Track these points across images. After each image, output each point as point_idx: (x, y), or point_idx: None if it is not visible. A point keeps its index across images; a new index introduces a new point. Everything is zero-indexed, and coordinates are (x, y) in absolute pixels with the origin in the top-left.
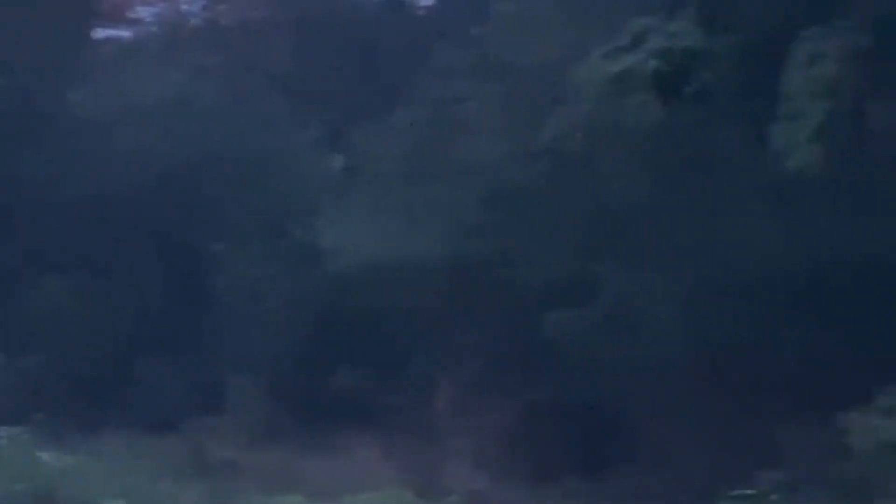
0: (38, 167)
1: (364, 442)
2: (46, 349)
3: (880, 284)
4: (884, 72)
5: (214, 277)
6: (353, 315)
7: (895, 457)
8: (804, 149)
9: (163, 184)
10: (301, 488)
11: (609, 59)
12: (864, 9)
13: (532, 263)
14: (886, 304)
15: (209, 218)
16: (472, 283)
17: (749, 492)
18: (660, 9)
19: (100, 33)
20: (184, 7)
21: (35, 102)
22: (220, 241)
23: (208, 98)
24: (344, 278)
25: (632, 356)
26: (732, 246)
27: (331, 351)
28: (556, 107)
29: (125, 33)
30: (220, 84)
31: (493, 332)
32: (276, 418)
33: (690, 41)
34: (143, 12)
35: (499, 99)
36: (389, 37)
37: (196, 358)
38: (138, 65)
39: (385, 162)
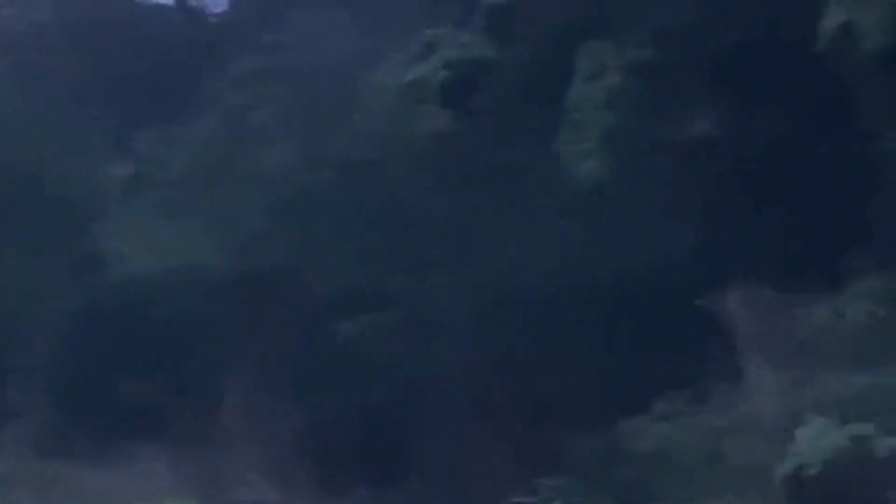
0: None
1: (148, 452)
2: None
3: (661, 295)
4: (666, 83)
5: None
6: (138, 324)
7: (670, 460)
8: (589, 159)
9: None
10: (79, 500)
11: (400, 68)
12: (645, 22)
13: (323, 271)
14: (665, 314)
15: None
16: (260, 292)
17: (530, 500)
18: (451, 20)
19: None
20: None
21: None
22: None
23: None
24: (128, 286)
25: (422, 365)
26: (521, 255)
27: (114, 360)
28: (347, 115)
29: None
30: (5, 90)
31: (283, 340)
32: (57, 429)
33: (480, 52)
34: None
35: (290, 107)
36: (181, 43)
37: None
38: None
39: (172, 169)
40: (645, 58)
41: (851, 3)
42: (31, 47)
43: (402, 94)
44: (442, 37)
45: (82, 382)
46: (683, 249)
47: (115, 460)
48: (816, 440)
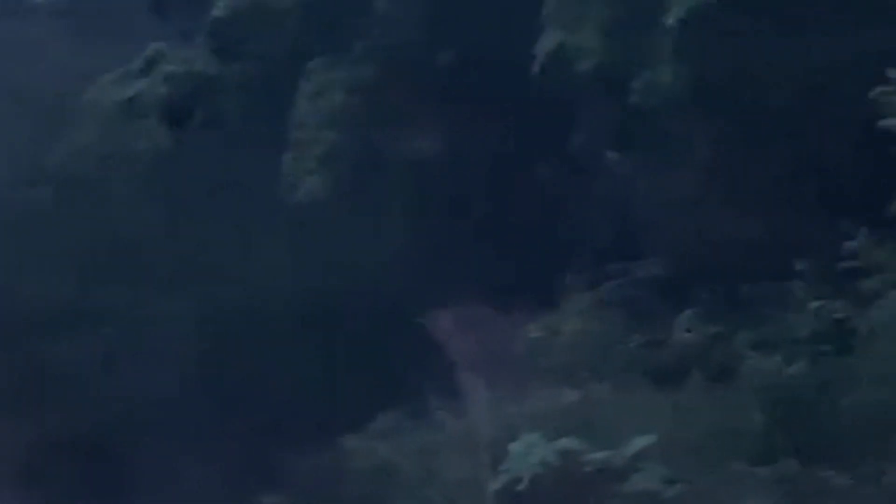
0: None
1: None
2: None
3: (379, 313)
4: (388, 101)
5: None
6: None
7: (390, 477)
8: (311, 176)
9: None
10: None
11: (120, 83)
12: (368, 40)
13: (38, 290)
14: (383, 333)
15: None
16: None
17: None
18: (174, 35)
19: None
20: None
21: None
22: None
23: None
24: None
25: (138, 385)
26: (240, 273)
27: None
28: (65, 131)
29: None
30: None
31: None
32: None
33: (203, 67)
34: None
35: (3, 123)
36: None
37: None
38: None
39: None
40: (367, 76)
41: (565, 25)
42: None
43: (122, 110)
44: (164, 51)
45: None
46: (402, 268)
47: None
48: (526, 455)
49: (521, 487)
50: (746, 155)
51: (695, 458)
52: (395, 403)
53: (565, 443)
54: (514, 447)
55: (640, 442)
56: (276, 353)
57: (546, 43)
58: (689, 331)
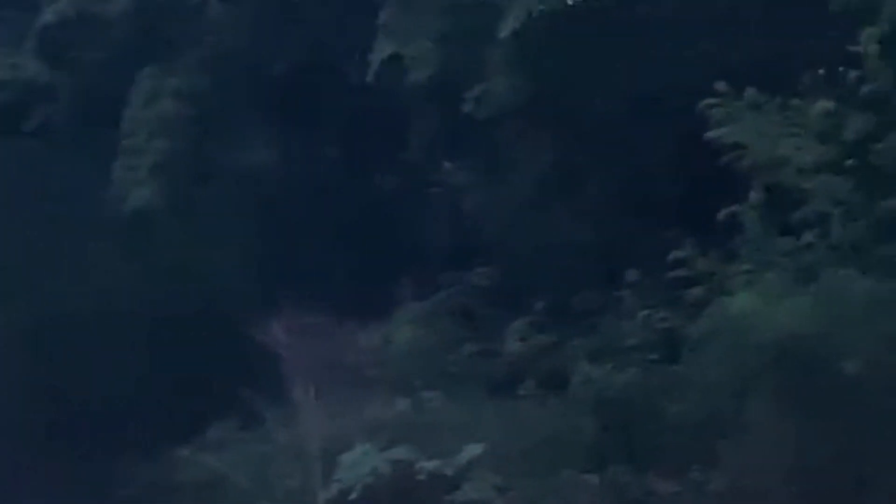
0: None
1: None
2: None
3: (211, 323)
4: (219, 110)
5: None
6: None
7: (224, 487)
8: (141, 186)
9: None
10: None
11: None
12: (199, 48)
13: None
14: (215, 343)
15: None
16: None
17: None
18: (2, 41)
19: None
20: None
21: None
22: None
23: None
24: None
25: None
26: (70, 283)
27: None
28: None
29: None
30: None
31: None
32: None
33: (32, 74)
34: None
35: None
36: None
37: None
38: None
39: None
40: (199, 84)
41: (399, 35)
42: None
43: None
44: None
45: None
46: (236, 278)
47: None
48: (358, 465)
49: (352, 497)
50: (578, 165)
51: (526, 466)
52: (228, 414)
53: (397, 452)
54: (345, 457)
55: (471, 450)
56: (107, 363)
57: (380, 53)
58: (521, 340)
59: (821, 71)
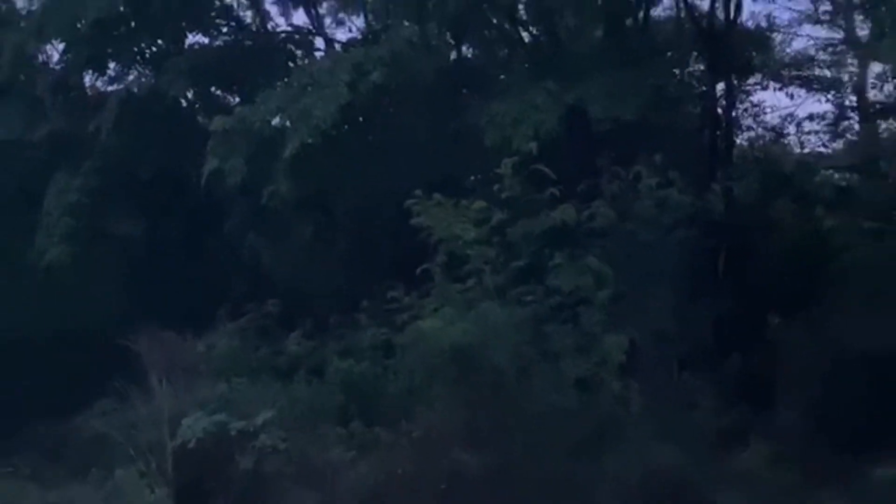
0: None
1: None
2: None
3: (99, 339)
4: (106, 198)
5: None
6: None
7: (106, 441)
8: (55, 248)
9: None
10: None
11: None
12: (91, 160)
13: None
14: (102, 351)
15: None
16: None
17: None
18: None
19: None
20: None
21: None
22: None
23: None
24: None
25: None
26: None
27: None
28: None
29: None
30: None
31: None
32: None
33: None
34: None
35: None
36: None
37: None
38: None
39: None
40: (93, 183)
41: (219, 155)
42: None
43: None
44: None
45: None
46: (117, 309)
47: None
48: (193, 426)
49: (190, 446)
50: (333, 238)
51: (300, 425)
52: (107, 395)
53: (217, 417)
54: (185, 421)
55: (264, 415)
56: (24, 363)
57: (208, 166)
58: (297, 344)
59: (479, 180)
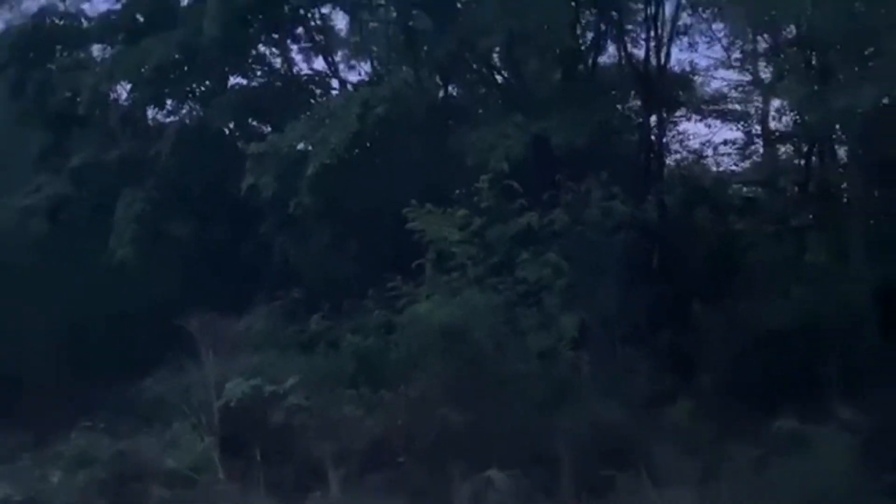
0: None
1: None
2: None
3: (161, 319)
4: (166, 206)
5: None
6: None
7: (165, 403)
8: (124, 248)
9: None
10: None
11: None
12: (155, 177)
13: None
14: (163, 329)
15: None
16: None
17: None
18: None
19: None
20: None
21: None
22: None
23: None
24: None
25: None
26: (83, 296)
27: None
28: None
29: None
30: None
31: None
32: None
33: (63, 191)
34: None
35: None
36: None
37: None
38: None
39: None
40: (154, 197)
41: (255, 173)
42: None
43: None
44: None
45: None
46: (176, 296)
47: None
48: (234, 388)
49: (232, 404)
50: (345, 239)
51: (319, 388)
52: (166, 364)
53: (254, 382)
54: (228, 385)
55: (291, 380)
56: (98, 343)
57: (246, 182)
58: (317, 324)
59: (462, 193)
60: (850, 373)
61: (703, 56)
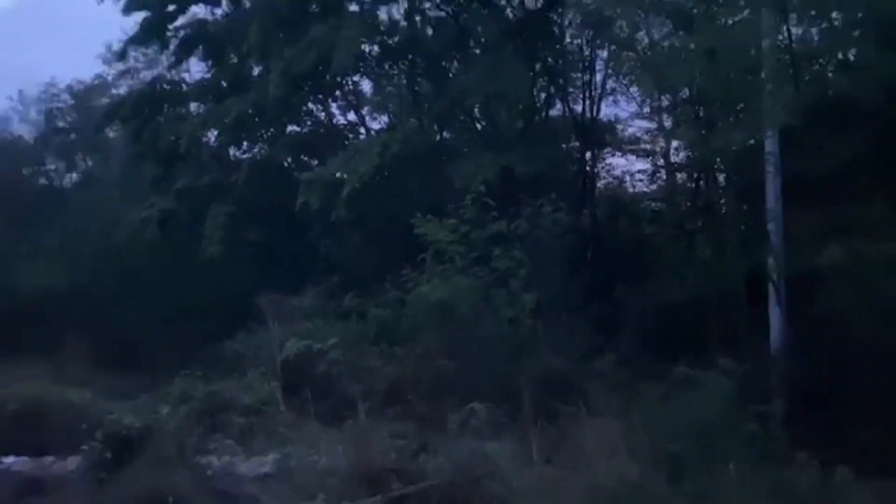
0: None
1: None
2: None
3: (242, 298)
4: (239, 221)
5: None
6: None
7: (241, 357)
8: (214, 245)
9: None
10: None
11: None
12: (233, 194)
13: None
14: (243, 306)
15: None
16: None
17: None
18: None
19: None
20: None
21: None
22: None
23: None
24: None
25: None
26: (179, 288)
27: None
28: None
29: None
30: None
31: None
32: None
33: (171, 207)
34: None
35: None
36: None
37: None
38: None
39: None
40: (230, 210)
41: (306, 194)
42: None
43: None
44: None
45: None
46: (246, 281)
47: None
48: (291, 347)
49: (290, 358)
50: (370, 242)
51: (352, 346)
52: (244, 329)
53: (305, 342)
54: (287, 344)
55: (332, 341)
56: (195, 317)
57: (300, 200)
58: (349, 302)
59: (453, 207)
60: (726, 332)
61: (624, 110)
